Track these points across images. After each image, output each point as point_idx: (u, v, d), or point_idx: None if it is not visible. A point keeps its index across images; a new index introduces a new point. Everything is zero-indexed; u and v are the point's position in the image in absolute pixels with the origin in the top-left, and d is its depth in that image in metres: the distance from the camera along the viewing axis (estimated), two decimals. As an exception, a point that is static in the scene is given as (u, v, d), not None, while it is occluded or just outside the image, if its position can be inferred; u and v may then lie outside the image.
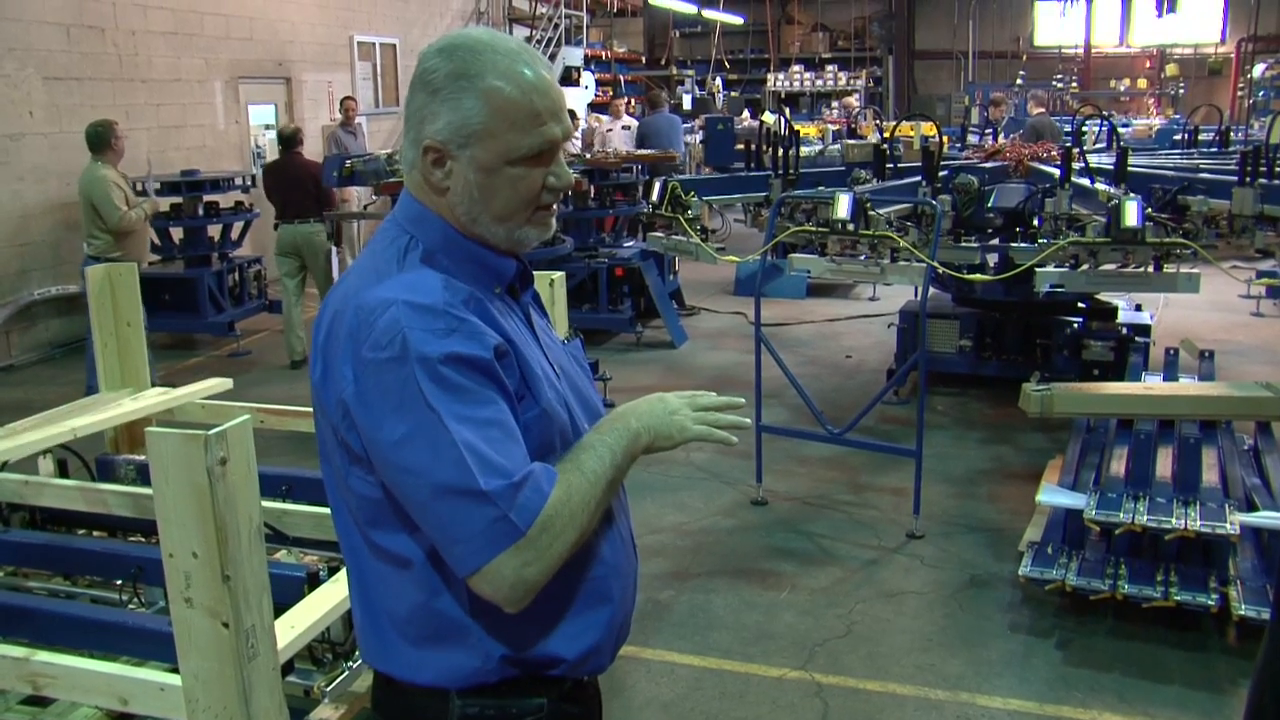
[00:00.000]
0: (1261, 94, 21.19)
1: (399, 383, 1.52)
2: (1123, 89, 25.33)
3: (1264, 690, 1.73)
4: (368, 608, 1.75)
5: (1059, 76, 23.84)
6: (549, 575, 1.57)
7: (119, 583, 3.47)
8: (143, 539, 3.70)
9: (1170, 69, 25.64)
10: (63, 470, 3.93)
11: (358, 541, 1.71)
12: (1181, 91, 23.78)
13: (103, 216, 7.55)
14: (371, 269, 1.65)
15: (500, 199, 1.65)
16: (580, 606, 1.73)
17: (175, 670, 2.43)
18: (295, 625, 2.73)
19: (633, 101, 18.88)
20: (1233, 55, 24.95)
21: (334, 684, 2.92)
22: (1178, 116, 17.70)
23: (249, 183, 10.22)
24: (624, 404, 1.77)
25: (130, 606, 3.39)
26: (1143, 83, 25.53)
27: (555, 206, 1.74)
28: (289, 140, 9.46)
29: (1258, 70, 22.41)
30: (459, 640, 1.67)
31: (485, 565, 1.52)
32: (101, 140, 7.73)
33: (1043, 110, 13.14)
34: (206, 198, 9.73)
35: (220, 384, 4.27)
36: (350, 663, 3.01)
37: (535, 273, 1.90)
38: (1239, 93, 23.52)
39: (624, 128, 14.17)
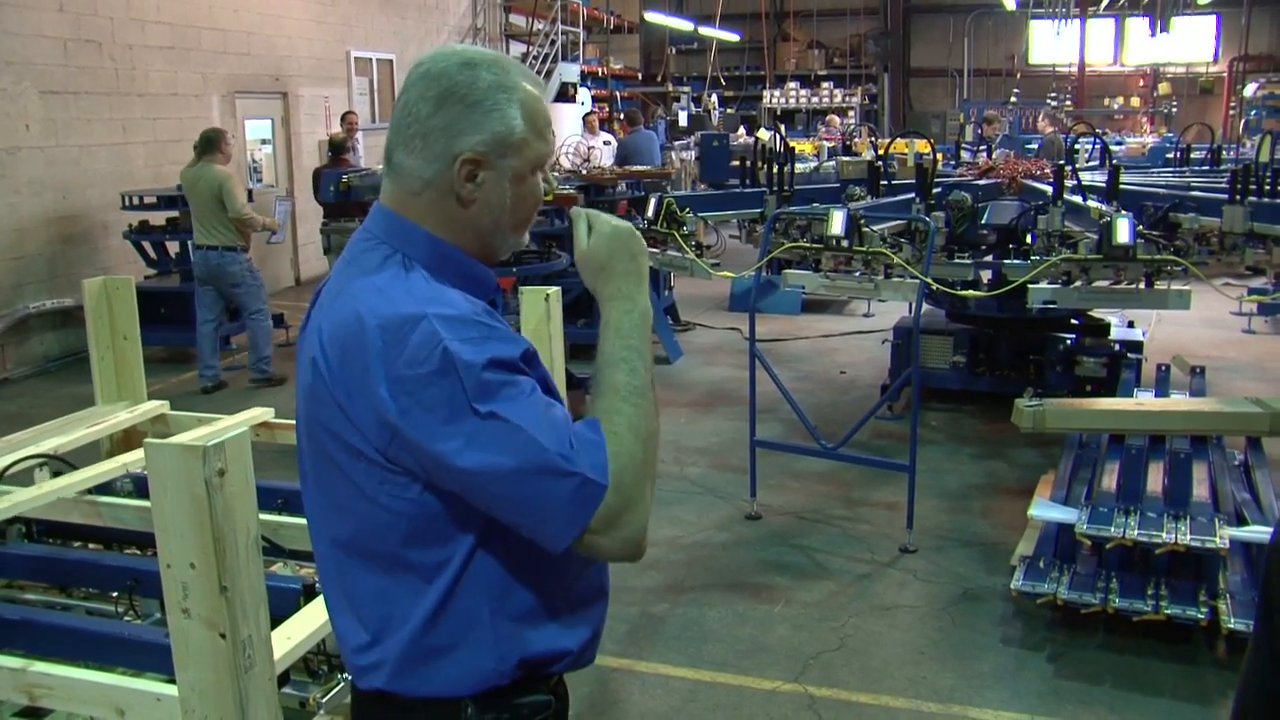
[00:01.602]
0: (1253, 113, 21.31)
1: (447, 394, 1.52)
2: (1116, 107, 25.45)
3: (1247, 702, 1.75)
4: (372, 624, 1.71)
5: (1053, 94, 23.95)
6: (649, 513, 1.62)
7: (115, 595, 3.48)
8: (138, 551, 3.71)
9: (1163, 88, 25.78)
10: (59, 482, 3.93)
11: (371, 561, 1.68)
12: (1174, 110, 23.91)
13: (228, 206, 8.40)
14: (374, 288, 1.62)
15: (525, 206, 1.72)
16: (582, 600, 1.77)
17: (172, 681, 2.45)
18: (291, 636, 2.74)
19: (619, 116, 18.90)
20: (1225, 74, 25.11)
21: (329, 695, 2.93)
22: (1170, 135, 17.79)
23: (246, 197, 10.23)
24: (604, 279, 1.75)
25: (126, 619, 3.40)
26: (1136, 101, 25.66)
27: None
28: (339, 148, 10.79)
29: (1249, 89, 22.57)
30: (475, 644, 1.67)
31: (588, 529, 1.56)
32: (213, 145, 8.69)
33: (1054, 129, 13.23)
34: (203, 212, 9.73)
35: (264, 413, 4.22)
36: (345, 675, 3.02)
37: (531, 288, 1.94)
38: (1231, 111, 23.67)
39: (605, 143, 14.26)
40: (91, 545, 3.83)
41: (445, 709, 1.70)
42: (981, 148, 11.00)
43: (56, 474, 3.98)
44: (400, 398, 1.53)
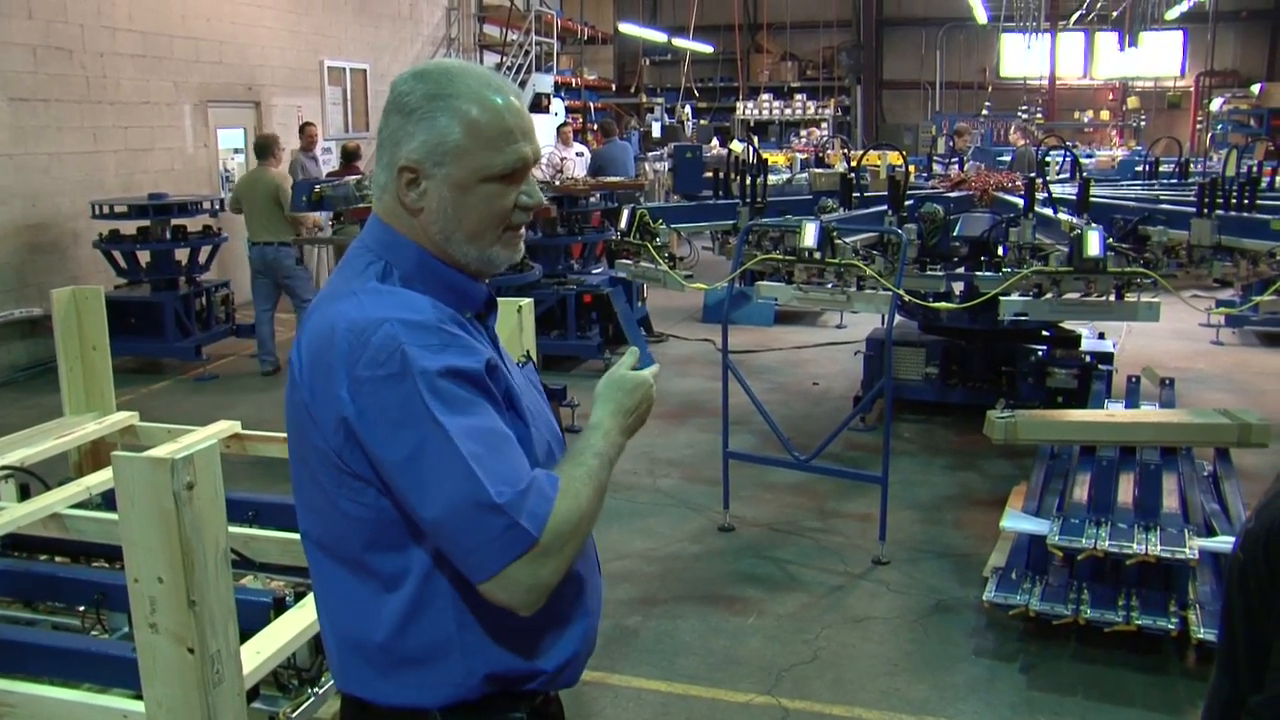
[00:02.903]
0: (1220, 127, 21.57)
1: (401, 398, 1.54)
2: (1086, 120, 25.71)
3: (1214, 716, 1.77)
4: (344, 631, 1.73)
5: (1024, 107, 24.17)
6: (561, 576, 1.61)
7: (81, 609, 3.44)
8: (106, 564, 3.67)
9: (1132, 101, 26.08)
10: (25, 494, 3.89)
11: (341, 564, 1.70)
12: (1143, 123, 24.18)
13: (283, 205, 9.16)
14: (349, 293, 1.66)
15: (473, 217, 1.68)
16: (560, 619, 1.76)
17: (139, 697, 2.42)
18: (261, 651, 2.72)
19: (594, 127, 18.91)
20: (1192, 89, 25.42)
21: (300, 710, 2.91)
22: (1139, 148, 17.97)
23: (217, 206, 10.18)
24: (598, 404, 1.85)
25: (93, 633, 3.36)
26: (1105, 114, 25.94)
27: (524, 229, 1.77)
28: (351, 155, 11.61)
29: (1215, 104, 22.85)
30: (443, 658, 1.68)
31: (500, 572, 1.56)
32: (268, 150, 9.69)
33: (1025, 142, 13.31)
34: (174, 221, 9.68)
35: (234, 425, 4.18)
36: (316, 689, 3.00)
37: (504, 299, 1.93)
38: (1198, 125, 23.95)
39: (578, 154, 14.28)
40: (58, 559, 3.78)
41: (414, 719, 1.71)
42: (954, 160, 11.06)
43: (22, 486, 3.94)
44: (358, 399, 1.56)
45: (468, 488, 1.53)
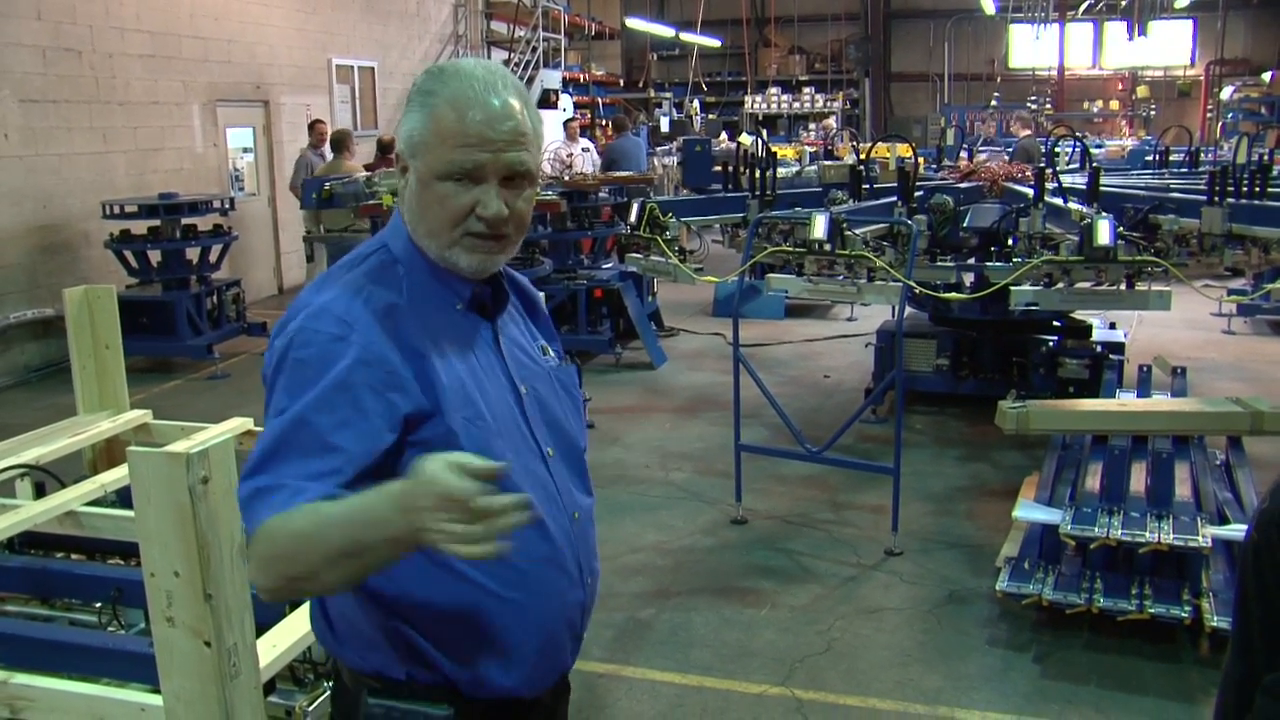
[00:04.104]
0: (1230, 115, 21.46)
1: (271, 369, 1.65)
2: (1095, 110, 25.61)
3: (1228, 698, 1.77)
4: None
5: (1033, 98, 24.10)
6: (275, 591, 1.59)
7: (98, 605, 3.46)
8: (121, 561, 3.69)
9: (1141, 91, 25.95)
10: (40, 492, 3.91)
11: None
12: (1153, 113, 24.08)
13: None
14: (328, 277, 1.75)
15: (430, 214, 1.70)
16: (458, 635, 1.71)
17: (156, 692, 2.44)
18: (277, 644, 2.73)
19: (606, 123, 18.90)
20: (1202, 78, 25.30)
21: (315, 704, 2.92)
22: (1149, 137, 17.90)
23: (227, 205, 10.21)
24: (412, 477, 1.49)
25: (110, 629, 3.38)
26: (1115, 104, 25.83)
27: (497, 240, 1.72)
28: (387, 148, 11.96)
29: (1226, 93, 22.73)
30: (369, 635, 1.74)
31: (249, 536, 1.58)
32: (343, 144, 10.73)
33: (1029, 133, 13.27)
34: (184, 220, 9.71)
35: (246, 422, 4.19)
36: (331, 683, 3.01)
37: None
38: (1208, 114, 23.84)
39: (584, 150, 14.27)
40: (74, 556, 3.81)
41: (356, 686, 1.78)
42: (962, 149, 11.04)
43: (38, 484, 3.96)
44: (268, 368, 1.66)
45: (250, 459, 1.59)
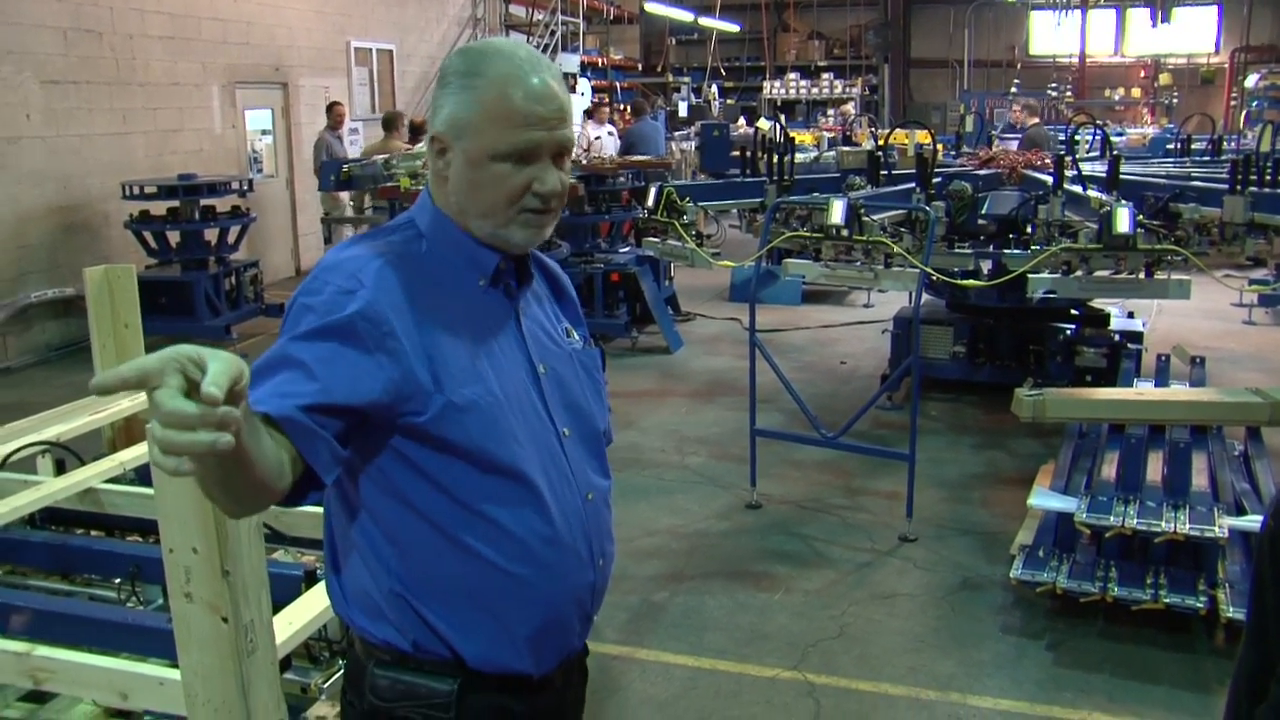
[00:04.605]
0: (1255, 104, 21.27)
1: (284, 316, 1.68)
2: (1117, 98, 25.42)
3: (1240, 686, 1.77)
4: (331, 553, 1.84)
5: (1053, 85, 23.92)
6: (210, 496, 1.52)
7: (117, 581, 3.49)
8: (140, 538, 3.73)
9: (1164, 79, 25.73)
10: (60, 469, 3.95)
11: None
12: (1175, 101, 23.87)
13: None
14: (353, 241, 1.78)
15: (484, 194, 1.70)
16: (463, 608, 1.72)
17: (175, 666, 2.46)
18: (293, 622, 2.76)
19: (624, 108, 18.86)
20: (1226, 65, 25.06)
21: (331, 681, 2.95)
22: (1171, 126, 17.76)
23: (246, 187, 10.24)
24: None
25: (129, 605, 3.41)
26: (1137, 92, 25.62)
27: (549, 214, 1.75)
28: (418, 130, 11.87)
29: (1251, 80, 22.50)
30: (378, 605, 1.75)
31: None
32: (393, 124, 11.24)
33: (1037, 121, 13.17)
34: (203, 201, 9.74)
35: None
36: (346, 660, 3.04)
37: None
38: (1232, 102, 23.62)
39: (607, 134, 14.26)
40: (94, 533, 3.84)
41: (364, 655, 1.79)
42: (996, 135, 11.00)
43: (58, 461, 4.00)
44: (285, 315, 1.66)
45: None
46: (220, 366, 1.20)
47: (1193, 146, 9.65)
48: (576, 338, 1.91)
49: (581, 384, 1.86)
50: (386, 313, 1.60)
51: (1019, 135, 12.04)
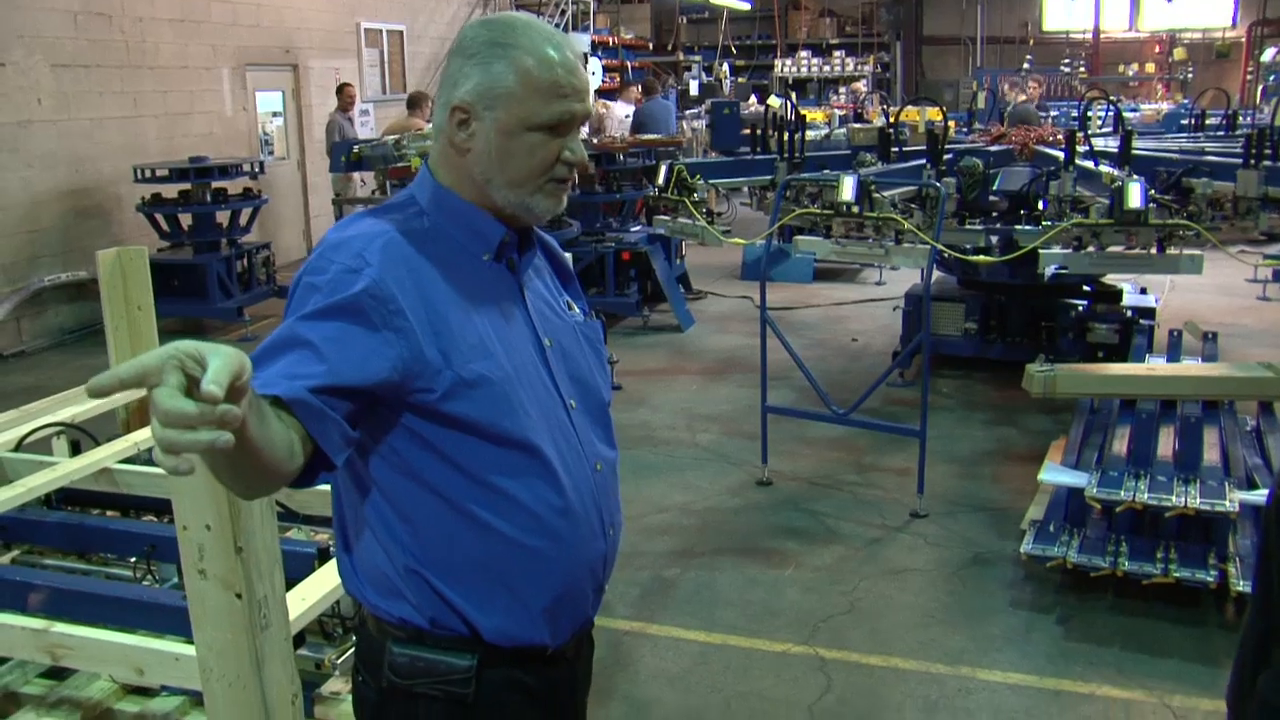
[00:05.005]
0: (1271, 78, 21.07)
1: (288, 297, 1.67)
2: (1131, 74, 25.22)
3: (1246, 653, 1.79)
4: (342, 532, 1.84)
5: (1067, 61, 23.76)
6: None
7: (133, 560, 3.53)
8: (155, 518, 3.76)
9: (1179, 53, 25.51)
10: (76, 450, 3.99)
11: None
12: (1190, 76, 23.68)
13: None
14: (354, 219, 1.77)
15: (516, 163, 1.70)
16: (480, 583, 1.73)
17: (191, 643, 2.49)
18: (306, 598, 2.78)
19: (636, 87, 18.81)
20: (1243, 39, 24.83)
21: (344, 657, 2.98)
22: (1186, 101, 17.64)
23: (257, 169, 10.26)
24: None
25: (145, 583, 3.45)
26: (1151, 67, 25.41)
27: (569, 183, 1.78)
28: (416, 101, 11.85)
29: (1268, 54, 22.28)
30: (393, 583, 1.75)
31: None
32: (417, 103, 11.27)
33: (1025, 98, 13.11)
34: (215, 184, 9.77)
35: None
36: (357, 639, 3.07)
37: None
38: (1248, 77, 23.42)
39: (626, 116, 14.23)
40: (109, 512, 3.88)
41: (380, 634, 1.79)
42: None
43: (74, 442, 4.03)
44: (290, 296, 1.65)
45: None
46: (220, 363, 1.20)
47: (1207, 122, 9.59)
48: (577, 311, 1.93)
49: (585, 356, 1.87)
50: (393, 290, 1.60)
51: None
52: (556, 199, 1.77)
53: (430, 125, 9.20)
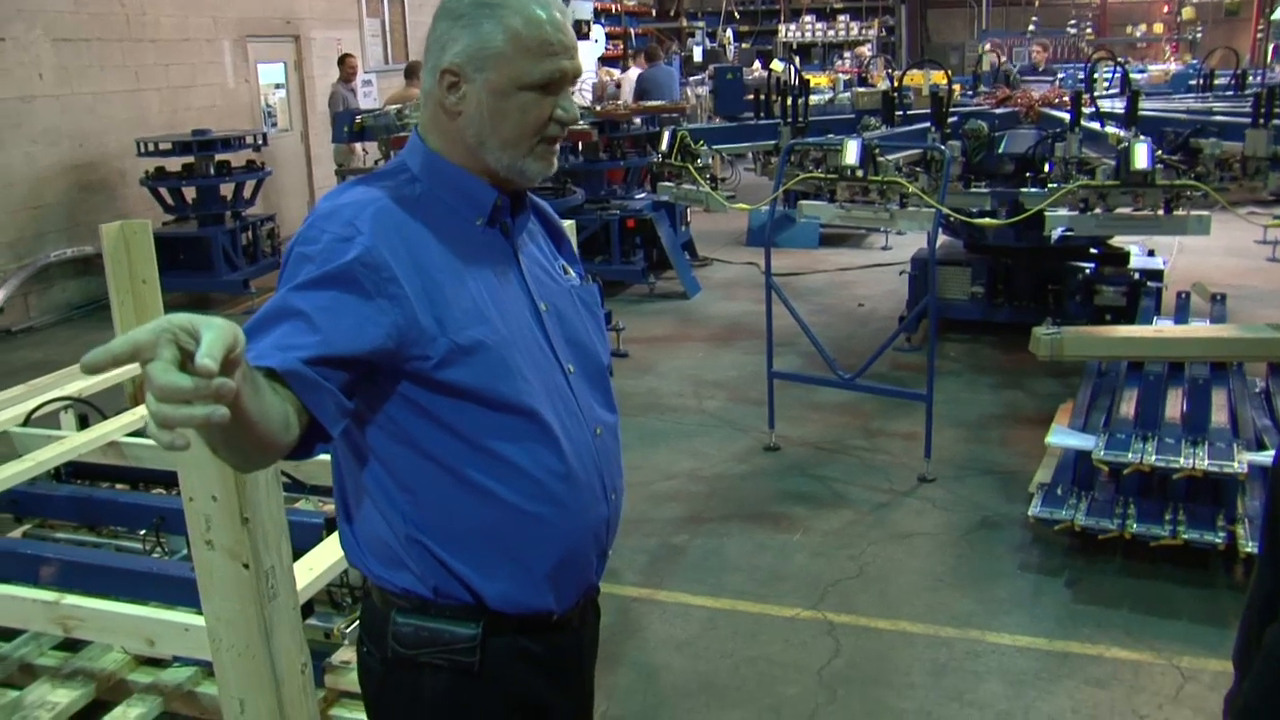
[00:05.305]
0: (1281, 36, 20.89)
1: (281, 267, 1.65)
2: (1139, 34, 25.03)
3: (1253, 607, 1.79)
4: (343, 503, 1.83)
5: (1073, 23, 23.58)
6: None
7: (142, 532, 3.55)
8: (164, 490, 3.78)
9: (1187, 13, 25.30)
10: (84, 424, 4.00)
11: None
12: (1199, 36, 23.48)
13: None
14: (345, 187, 1.76)
15: (509, 124, 1.69)
16: (484, 551, 1.73)
17: (199, 613, 2.50)
18: (314, 568, 2.80)
19: (635, 54, 18.71)
20: (1253, -4, 24.60)
21: (353, 626, 2.99)
22: (1194, 61, 17.48)
23: (260, 141, 10.23)
24: None
25: (154, 555, 3.47)
26: (1159, 28, 25.24)
27: (558, 144, 1.77)
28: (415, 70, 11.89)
29: (1278, 12, 22.08)
30: (396, 553, 1.74)
31: None
32: (415, 72, 11.27)
33: (995, 53, 12.95)
34: (218, 157, 9.75)
35: None
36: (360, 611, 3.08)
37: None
38: (1258, 35, 23.20)
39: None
40: (118, 485, 3.89)
41: (384, 604, 1.79)
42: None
43: (81, 416, 4.04)
44: (283, 266, 1.64)
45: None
46: (214, 335, 1.18)
47: (1216, 82, 9.50)
48: (573, 274, 1.91)
49: (583, 320, 1.86)
50: (386, 257, 1.59)
51: (1040, 78, 11.89)
52: (548, 161, 1.75)
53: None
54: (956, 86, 8.43)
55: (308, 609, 2.99)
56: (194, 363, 1.15)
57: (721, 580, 4.49)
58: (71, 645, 3.38)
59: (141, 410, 3.84)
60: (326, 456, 1.82)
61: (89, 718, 3.19)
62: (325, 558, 2.85)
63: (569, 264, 1.92)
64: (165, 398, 1.14)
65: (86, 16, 9.74)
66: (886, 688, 3.72)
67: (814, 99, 7.70)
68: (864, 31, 25.67)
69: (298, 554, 2.69)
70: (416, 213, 1.68)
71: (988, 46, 12.80)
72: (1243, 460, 4.25)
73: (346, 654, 3.06)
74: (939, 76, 8.64)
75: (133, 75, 10.35)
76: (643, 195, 10.24)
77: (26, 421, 3.86)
